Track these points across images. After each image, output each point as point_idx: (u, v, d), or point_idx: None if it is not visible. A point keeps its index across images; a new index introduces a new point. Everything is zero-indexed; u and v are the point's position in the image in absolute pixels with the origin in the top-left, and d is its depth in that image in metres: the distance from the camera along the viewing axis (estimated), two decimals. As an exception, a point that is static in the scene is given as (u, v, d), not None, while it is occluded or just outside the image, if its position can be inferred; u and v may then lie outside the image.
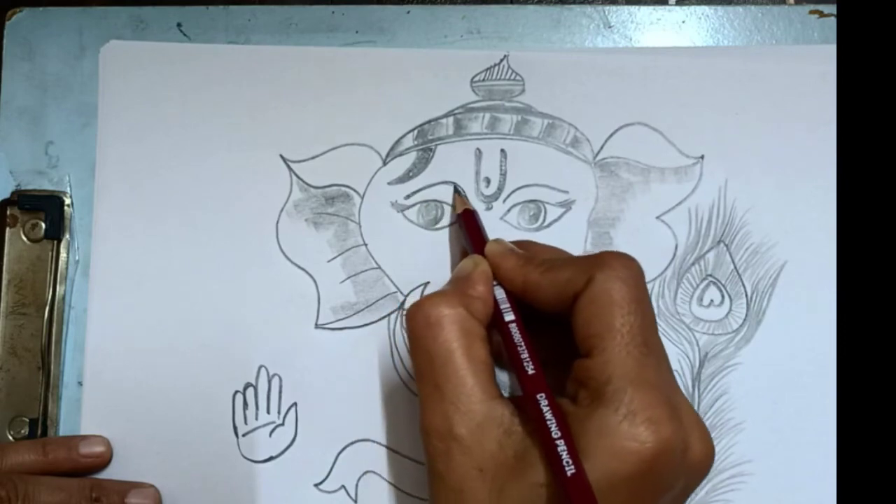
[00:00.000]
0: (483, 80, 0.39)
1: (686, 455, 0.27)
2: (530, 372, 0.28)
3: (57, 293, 0.38)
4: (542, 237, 0.38)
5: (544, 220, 0.38)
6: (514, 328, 0.30)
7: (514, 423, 0.28)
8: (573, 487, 0.25)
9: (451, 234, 0.38)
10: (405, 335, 0.37)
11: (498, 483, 0.27)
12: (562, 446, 0.26)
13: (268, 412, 0.37)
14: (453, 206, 0.38)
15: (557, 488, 0.26)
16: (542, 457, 0.27)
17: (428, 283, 0.38)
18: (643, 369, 0.27)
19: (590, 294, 0.28)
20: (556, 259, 0.31)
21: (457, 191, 0.38)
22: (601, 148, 0.38)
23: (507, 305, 0.31)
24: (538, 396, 0.28)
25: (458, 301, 0.30)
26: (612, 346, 0.27)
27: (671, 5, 0.40)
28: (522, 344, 0.29)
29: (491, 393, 0.29)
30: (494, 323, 0.31)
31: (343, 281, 0.38)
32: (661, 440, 0.26)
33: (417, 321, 0.30)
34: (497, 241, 0.33)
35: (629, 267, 0.29)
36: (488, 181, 0.38)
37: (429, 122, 0.38)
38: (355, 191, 0.38)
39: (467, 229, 0.35)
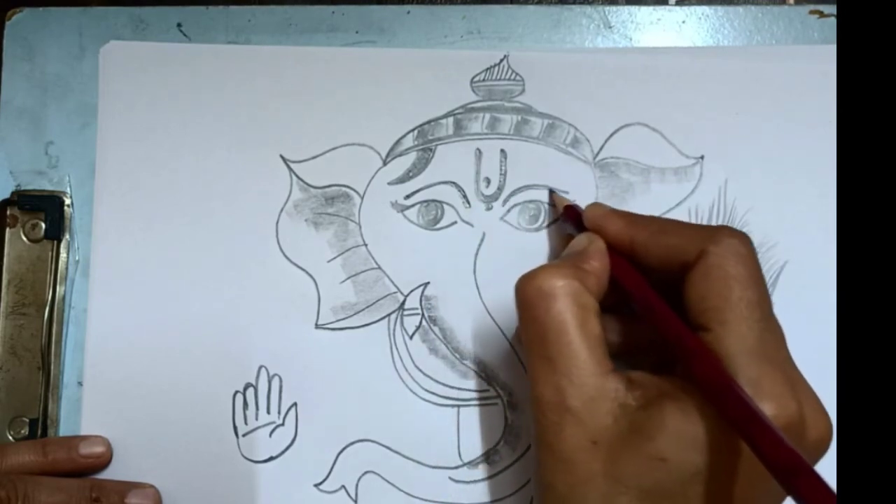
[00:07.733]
0: (483, 80, 0.39)
1: (805, 433, 0.27)
2: (694, 347, 0.27)
3: (57, 293, 0.38)
4: (541, 238, 0.38)
5: (544, 220, 0.38)
6: (655, 299, 0.29)
7: (628, 398, 0.28)
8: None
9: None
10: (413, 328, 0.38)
11: (613, 456, 0.27)
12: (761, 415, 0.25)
13: (268, 412, 0.37)
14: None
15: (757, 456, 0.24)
16: (659, 430, 0.26)
17: (428, 283, 0.38)
18: (764, 344, 0.27)
19: (704, 267, 0.28)
20: (666, 221, 0.31)
21: (552, 191, 0.37)
22: (601, 148, 0.38)
23: (635, 274, 0.30)
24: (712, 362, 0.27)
25: (572, 273, 0.29)
26: (732, 319, 0.27)
27: (671, 5, 0.40)
28: (667, 309, 0.29)
29: (605, 367, 0.28)
30: (621, 294, 0.31)
31: (343, 281, 0.38)
32: (784, 416, 0.26)
33: (529, 292, 0.29)
34: (596, 204, 0.34)
35: (744, 243, 0.29)
36: (488, 181, 0.38)
37: (429, 122, 0.38)
38: (355, 191, 0.38)
39: (573, 222, 0.35)
